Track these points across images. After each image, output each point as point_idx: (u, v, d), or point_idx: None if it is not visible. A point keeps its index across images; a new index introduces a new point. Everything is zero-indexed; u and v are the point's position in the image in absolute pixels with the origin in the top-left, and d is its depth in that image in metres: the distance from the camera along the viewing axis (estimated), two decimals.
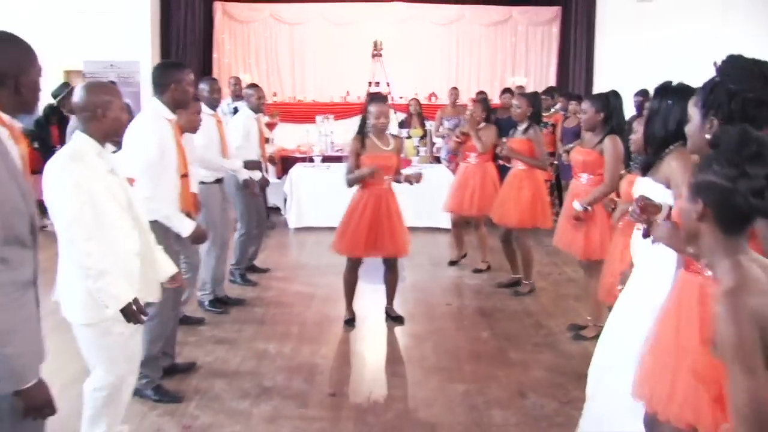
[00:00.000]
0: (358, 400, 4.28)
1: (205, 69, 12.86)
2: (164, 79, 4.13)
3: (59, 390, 3.23)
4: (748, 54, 2.50)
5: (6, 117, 2.21)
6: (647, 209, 2.79)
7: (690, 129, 2.52)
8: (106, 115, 3.04)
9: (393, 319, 5.68)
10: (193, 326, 5.38)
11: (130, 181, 3.23)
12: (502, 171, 6.99)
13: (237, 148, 5.99)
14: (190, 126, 4.80)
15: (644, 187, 3.00)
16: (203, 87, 5.85)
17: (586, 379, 4.12)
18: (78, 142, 3.04)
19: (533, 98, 6.59)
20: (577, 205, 5.02)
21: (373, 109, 5.21)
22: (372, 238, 5.24)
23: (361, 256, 5.43)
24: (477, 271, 7.22)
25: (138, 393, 3.93)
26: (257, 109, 6.50)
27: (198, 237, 4.28)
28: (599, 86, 12.10)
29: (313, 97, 13.47)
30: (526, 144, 6.27)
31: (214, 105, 5.85)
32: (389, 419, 4.03)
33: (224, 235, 5.77)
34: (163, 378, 4.33)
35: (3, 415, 2.18)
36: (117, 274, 2.95)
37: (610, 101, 5.08)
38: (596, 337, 5.05)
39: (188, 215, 4.19)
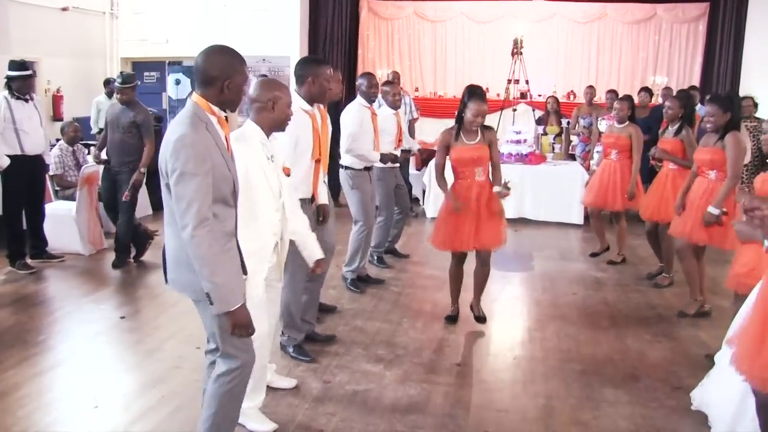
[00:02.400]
0: (482, 372, 4.71)
1: (350, 64, 13.60)
2: (303, 72, 4.59)
3: None
4: None
5: (215, 108, 2.91)
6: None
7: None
8: (274, 108, 3.62)
9: (476, 318, 5.58)
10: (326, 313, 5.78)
11: (286, 170, 3.76)
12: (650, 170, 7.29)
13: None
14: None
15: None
16: (361, 81, 6.41)
17: (699, 370, 4.39)
18: (247, 127, 3.63)
19: (685, 99, 6.77)
20: (714, 210, 5.23)
21: (472, 105, 5.09)
22: (464, 230, 5.23)
23: (456, 250, 5.43)
24: (612, 263, 7.51)
25: (282, 348, 4.78)
26: (394, 106, 7.02)
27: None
28: (746, 87, 11.80)
29: (453, 92, 13.89)
30: (679, 144, 6.46)
31: (371, 99, 6.37)
32: (508, 386, 4.45)
33: (371, 219, 6.35)
34: (305, 343, 4.89)
35: (224, 326, 2.92)
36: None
37: (734, 101, 5.28)
38: (698, 314, 5.37)
39: (312, 199, 4.62)
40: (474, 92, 5.12)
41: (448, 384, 4.49)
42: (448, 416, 4.03)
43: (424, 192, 10.15)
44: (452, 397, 4.29)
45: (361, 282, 6.42)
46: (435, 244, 5.49)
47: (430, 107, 13.03)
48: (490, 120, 12.81)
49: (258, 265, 3.49)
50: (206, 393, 3.15)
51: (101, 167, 7.47)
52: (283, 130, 3.74)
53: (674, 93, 9.94)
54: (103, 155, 7.26)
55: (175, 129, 2.80)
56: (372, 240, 6.77)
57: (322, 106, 4.69)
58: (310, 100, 4.56)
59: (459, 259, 5.55)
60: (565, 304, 6.16)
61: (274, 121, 3.63)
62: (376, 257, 7.09)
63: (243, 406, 3.35)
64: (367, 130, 6.19)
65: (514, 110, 12.43)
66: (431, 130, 11.74)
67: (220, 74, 2.86)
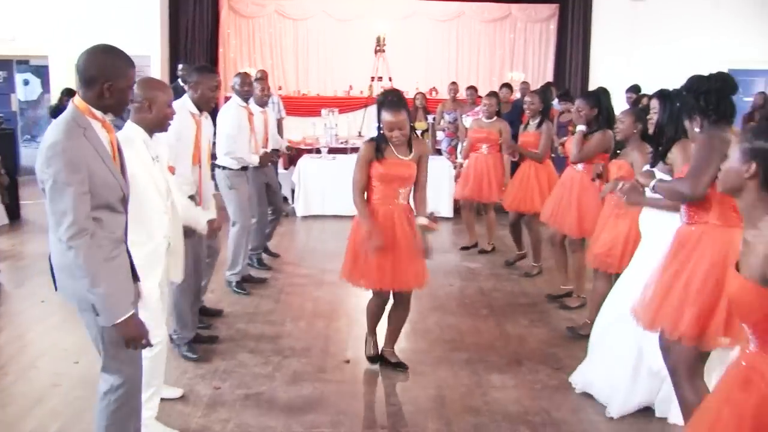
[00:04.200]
0: (371, 367, 4.72)
1: (211, 64, 13.27)
2: (196, 79, 4.67)
3: None
4: (739, 47, 3.30)
5: (98, 112, 2.74)
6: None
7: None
8: (151, 108, 3.48)
9: (393, 365, 4.62)
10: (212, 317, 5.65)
11: (170, 169, 3.64)
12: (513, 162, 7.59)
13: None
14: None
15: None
16: (236, 80, 6.26)
17: (576, 350, 4.64)
18: (128, 128, 3.47)
19: (543, 94, 7.12)
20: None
21: (386, 117, 4.12)
22: (380, 266, 4.26)
23: (374, 288, 4.46)
24: (483, 252, 7.76)
25: (173, 345, 4.65)
26: (262, 103, 6.91)
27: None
28: (595, 82, 12.57)
29: (316, 91, 13.88)
30: (539, 137, 6.82)
31: (245, 98, 6.24)
32: (399, 380, 4.49)
33: (249, 219, 6.23)
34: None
35: (112, 339, 2.78)
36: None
37: (600, 97, 5.58)
38: (580, 307, 5.66)
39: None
40: (387, 101, 4.14)
41: (340, 381, 4.47)
42: (344, 413, 4.01)
43: (293, 191, 10.07)
44: (345, 394, 4.28)
45: (245, 283, 6.28)
46: (347, 278, 4.47)
47: (294, 106, 12.93)
48: (355, 117, 13.03)
49: (151, 269, 3.35)
50: (95, 411, 2.97)
51: None
52: (164, 130, 3.63)
53: (532, 88, 10.44)
54: None
55: (48, 135, 2.64)
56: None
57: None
58: (198, 106, 4.65)
59: (383, 299, 4.59)
60: (443, 296, 6.29)
61: (153, 120, 3.50)
62: (255, 259, 6.96)
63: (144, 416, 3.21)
64: (245, 130, 6.07)
65: None
66: (296, 129, 11.69)
67: (100, 75, 2.68)
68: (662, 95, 3.83)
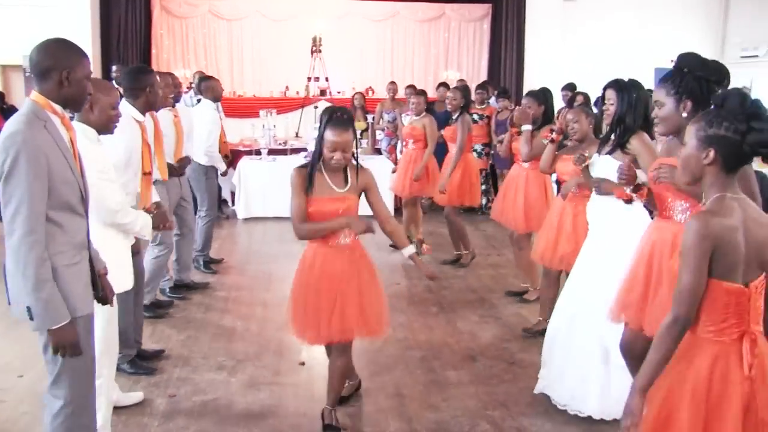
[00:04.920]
0: (326, 369, 4.69)
1: (145, 64, 13.01)
2: (136, 85, 4.50)
3: None
4: (665, 46, 3.26)
5: (58, 107, 2.64)
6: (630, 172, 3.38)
7: (664, 113, 3.12)
8: (93, 109, 3.40)
9: (330, 429, 3.83)
10: (164, 309, 5.69)
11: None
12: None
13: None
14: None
15: (603, 164, 3.89)
16: (210, 84, 6.41)
17: (528, 344, 4.71)
18: (77, 129, 3.37)
19: (465, 90, 7.35)
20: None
21: (329, 136, 3.51)
22: (326, 315, 3.62)
23: (317, 343, 3.90)
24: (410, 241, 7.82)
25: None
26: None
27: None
28: (529, 80, 12.85)
29: (252, 92, 13.74)
30: (455, 130, 7.00)
31: (173, 100, 6.13)
32: (357, 382, 4.48)
33: (189, 223, 6.11)
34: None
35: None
36: None
37: (547, 95, 5.72)
38: (537, 299, 5.76)
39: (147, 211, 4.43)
40: (332, 118, 3.53)
41: (296, 384, 4.44)
42: (303, 416, 4.00)
43: (233, 193, 9.97)
44: (303, 396, 4.26)
45: (185, 289, 6.18)
46: (294, 332, 3.86)
47: (229, 107, 12.74)
48: (292, 118, 12.93)
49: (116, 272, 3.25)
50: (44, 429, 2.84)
51: None
52: (110, 132, 3.56)
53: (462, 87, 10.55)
54: None
55: (7, 127, 2.54)
56: (196, 243, 6.66)
57: (155, 114, 4.62)
58: (144, 110, 4.54)
59: (330, 350, 3.93)
60: (392, 294, 6.26)
61: (95, 122, 3.44)
62: (202, 262, 6.86)
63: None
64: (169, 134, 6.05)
65: (315, 107, 12.53)
66: (233, 131, 11.53)
67: (56, 64, 2.58)
68: (618, 86, 3.90)
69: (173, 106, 5.98)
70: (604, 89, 3.99)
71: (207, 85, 6.94)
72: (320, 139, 3.57)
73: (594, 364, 3.89)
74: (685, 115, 3.03)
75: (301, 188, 3.61)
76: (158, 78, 4.81)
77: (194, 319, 5.58)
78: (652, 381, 2.30)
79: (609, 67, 11.71)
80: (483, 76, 14.06)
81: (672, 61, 3.17)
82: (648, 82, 12.39)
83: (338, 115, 3.54)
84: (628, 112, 3.79)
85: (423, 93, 7.93)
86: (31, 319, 2.55)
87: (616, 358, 3.68)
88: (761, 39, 12.61)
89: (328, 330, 3.61)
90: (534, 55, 13.23)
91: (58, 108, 2.64)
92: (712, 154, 2.27)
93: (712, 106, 2.39)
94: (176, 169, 5.61)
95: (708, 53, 12.68)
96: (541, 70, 12.61)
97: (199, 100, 7.00)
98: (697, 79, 3.03)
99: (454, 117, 7.13)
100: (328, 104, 12.85)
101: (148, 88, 4.50)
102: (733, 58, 13.09)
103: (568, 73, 10.99)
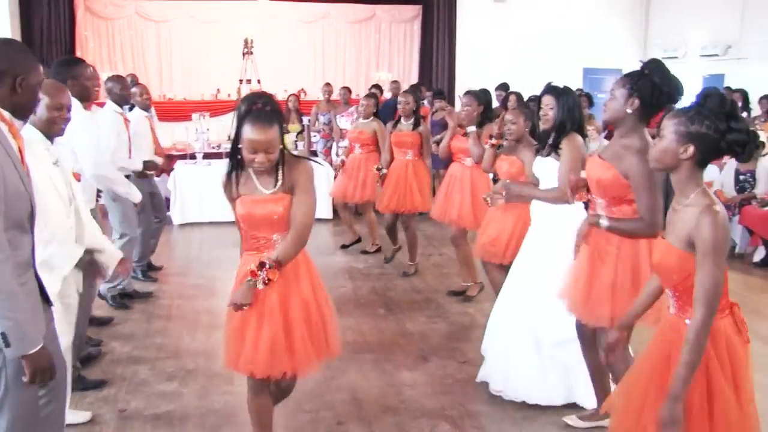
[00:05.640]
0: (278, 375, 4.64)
1: None
2: (60, 77, 4.30)
3: None
4: (592, 47, 3.36)
5: (6, 114, 2.47)
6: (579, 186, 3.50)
7: (612, 103, 3.25)
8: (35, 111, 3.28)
9: None
10: (102, 326, 5.48)
11: (76, 176, 3.45)
12: None
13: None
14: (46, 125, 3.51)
15: (544, 165, 4.05)
16: (112, 85, 5.97)
17: (478, 343, 4.78)
18: (25, 131, 3.24)
19: (417, 93, 7.27)
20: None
21: (248, 133, 2.90)
22: (266, 342, 3.06)
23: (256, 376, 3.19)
24: (365, 252, 7.84)
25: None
26: (144, 106, 6.68)
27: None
28: (461, 81, 13.00)
29: (183, 95, 13.51)
30: (418, 137, 6.90)
31: (123, 103, 6.01)
32: (311, 387, 4.42)
33: (136, 229, 5.98)
34: (84, 367, 4.50)
35: (9, 384, 2.43)
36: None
37: (488, 96, 5.83)
38: (481, 291, 5.83)
39: None
40: (250, 110, 2.91)
41: None
42: None
43: (167, 199, 9.74)
44: None
45: (127, 298, 6.02)
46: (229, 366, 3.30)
47: (160, 111, 12.44)
48: (225, 121, 12.73)
49: (51, 278, 3.09)
50: None
51: None
52: (58, 134, 3.46)
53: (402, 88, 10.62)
54: None
55: None
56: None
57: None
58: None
59: (258, 387, 3.30)
60: (338, 298, 6.24)
61: (37, 124, 3.34)
62: (140, 271, 6.68)
63: None
64: (123, 139, 5.83)
65: None
66: (165, 135, 11.30)
67: (10, 69, 2.42)
68: (556, 92, 4.02)
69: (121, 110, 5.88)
70: (541, 95, 4.10)
71: (108, 87, 6.04)
72: (237, 137, 2.96)
73: (527, 353, 4.08)
74: (629, 111, 3.19)
75: (229, 199, 3.14)
76: (89, 71, 4.76)
77: (138, 330, 5.44)
78: (688, 385, 2.36)
79: (540, 66, 12.04)
80: (414, 77, 14.20)
81: (641, 61, 3.30)
82: (577, 81, 12.80)
83: (259, 107, 2.91)
84: (567, 117, 3.93)
85: (373, 96, 7.90)
86: (7, 346, 2.34)
87: (549, 349, 4.01)
88: (681, 41, 13.11)
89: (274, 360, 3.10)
90: (465, 56, 13.42)
91: (6, 114, 2.47)
92: (691, 150, 2.38)
93: (690, 106, 2.48)
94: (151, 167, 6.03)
95: (632, 54, 13.28)
96: (473, 70, 12.81)
97: (133, 106, 6.72)
98: (653, 84, 3.15)
99: (405, 121, 7.00)
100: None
101: (70, 81, 4.36)
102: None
103: (500, 74, 11.19)
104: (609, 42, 13.58)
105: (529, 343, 4.08)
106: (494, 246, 4.85)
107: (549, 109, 4.01)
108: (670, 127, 2.43)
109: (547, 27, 13.09)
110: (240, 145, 2.95)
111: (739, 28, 11.88)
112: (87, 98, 4.68)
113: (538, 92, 4.30)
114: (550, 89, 4.10)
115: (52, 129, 3.44)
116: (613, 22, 13.80)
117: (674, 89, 3.18)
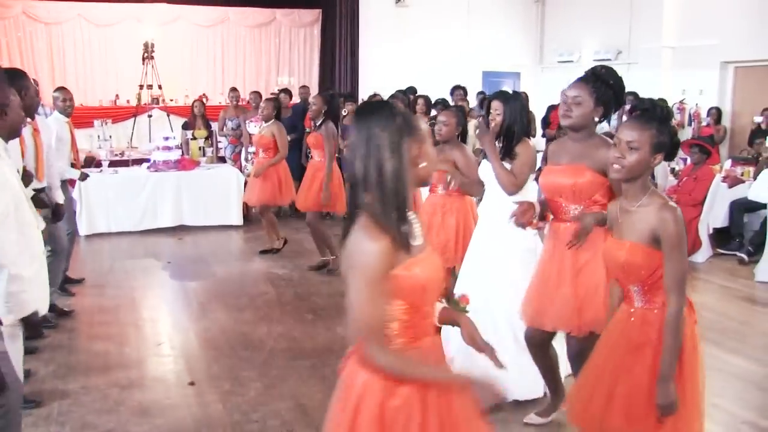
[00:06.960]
0: (218, 385, 4.63)
1: None
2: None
3: None
4: (491, 51, 3.52)
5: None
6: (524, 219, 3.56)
7: (583, 110, 3.36)
8: (7, 113, 3.19)
9: None
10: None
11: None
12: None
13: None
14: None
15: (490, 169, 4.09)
16: (57, 95, 6.11)
17: None
18: None
19: (329, 97, 7.34)
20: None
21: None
22: None
23: None
24: (276, 251, 8.05)
25: None
26: (66, 112, 6.49)
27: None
28: (365, 85, 13.12)
29: (79, 101, 13.00)
30: (320, 138, 7.07)
31: (68, 113, 6.22)
32: (253, 396, 4.44)
33: (64, 244, 5.83)
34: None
35: None
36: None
37: (407, 96, 6.00)
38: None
39: None
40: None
41: (191, 405, 4.34)
42: None
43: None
44: (202, 418, 4.17)
45: (50, 314, 5.80)
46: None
47: None
48: (125, 127, 12.38)
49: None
50: None
51: None
52: (18, 135, 3.42)
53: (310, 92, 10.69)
54: None
55: None
56: None
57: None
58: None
59: None
60: (263, 305, 6.29)
61: (7, 127, 3.26)
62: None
63: None
64: (66, 146, 6.01)
65: (150, 116, 12.17)
66: None
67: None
68: (504, 97, 4.18)
69: (32, 119, 5.61)
70: (490, 100, 4.26)
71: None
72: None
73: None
74: (596, 119, 3.39)
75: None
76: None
77: (62, 347, 5.27)
78: (675, 367, 2.57)
79: (443, 70, 12.34)
80: (315, 81, 14.26)
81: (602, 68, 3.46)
82: (477, 84, 13.19)
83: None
84: (516, 121, 4.08)
85: (274, 99, 7.96)
86: None
87: (514, 334, 4.05)
88: (575, 46, 13.71)
89: None
90: (368, 60, 13.55)
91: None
92: (660, 158, 2.60)
93: (640, 111, 2.67)
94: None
95: (529, 58, 13.74)
96: (377, 74, 12.96)
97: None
98: (615, 93, 3.36)
99: (317, 124, 7.16)
100: (162, 113, 12.55)
101: (24, 92, 4.22)
102: (551, 62, 14.16)
103: (404, 77, 11.39)
104: (507, 46, 14.07)
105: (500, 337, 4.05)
106: (446, 251, 4.85)
107: (497, 114, 4.15)
108: (645, 139, 2.58)
109: (449, 31, 13.42)
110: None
111: (628, 36, 12.55)
112: (32, 114, 4.74)
113: (441, 95, 4.46)
114: (498, 94, 4.27)
115: (18, 131, 3.45)
116: (510, 28, 14.29)
117: (623, 96, 3.44)
